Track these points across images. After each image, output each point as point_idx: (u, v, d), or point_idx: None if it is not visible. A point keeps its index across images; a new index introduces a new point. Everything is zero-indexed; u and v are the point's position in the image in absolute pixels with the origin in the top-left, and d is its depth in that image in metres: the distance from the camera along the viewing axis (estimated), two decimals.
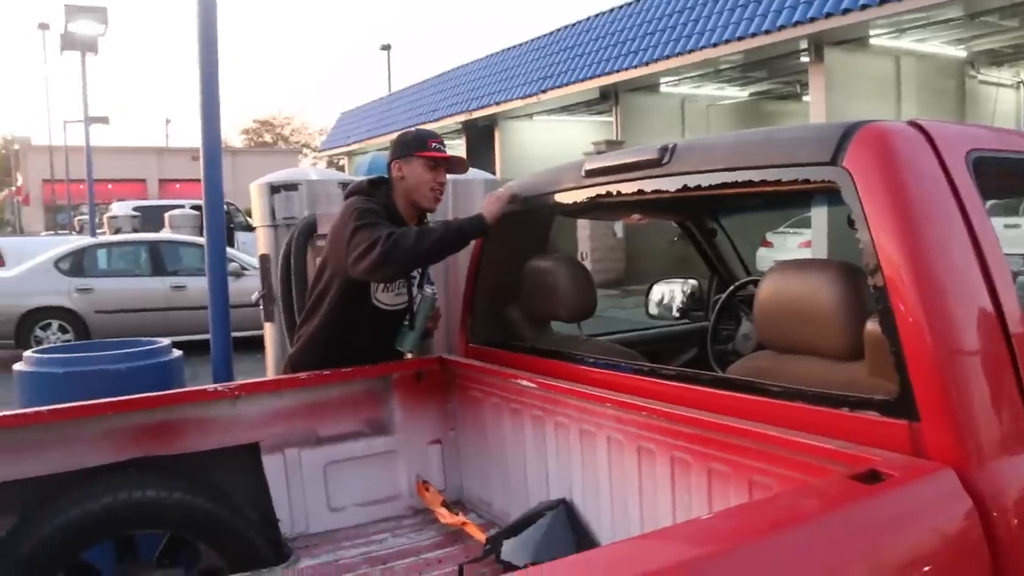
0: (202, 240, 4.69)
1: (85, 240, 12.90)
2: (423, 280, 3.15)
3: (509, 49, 22.50)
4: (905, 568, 1.43)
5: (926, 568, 1.45)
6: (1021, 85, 17.73)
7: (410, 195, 3.07)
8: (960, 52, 15.82)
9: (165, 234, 14.91)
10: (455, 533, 2.81)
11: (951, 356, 1.62)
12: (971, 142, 1.92)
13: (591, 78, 18.01)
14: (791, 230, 15.14)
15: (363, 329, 3.06)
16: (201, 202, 3.97)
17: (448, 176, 3.91)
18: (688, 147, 2.29)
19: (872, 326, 1.78)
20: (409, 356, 3.20)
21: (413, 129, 3.21)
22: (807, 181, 1.91)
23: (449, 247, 2.89)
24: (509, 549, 2.45)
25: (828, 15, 12.61)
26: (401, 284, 3.08)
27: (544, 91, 19.46)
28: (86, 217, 21.33)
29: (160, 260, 11.32)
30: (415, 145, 3.08)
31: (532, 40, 21.54)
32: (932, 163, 1.77)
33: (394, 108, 27.82)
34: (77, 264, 10.92)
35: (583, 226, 17.17)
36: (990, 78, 16.95)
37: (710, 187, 2.16)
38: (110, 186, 37.57)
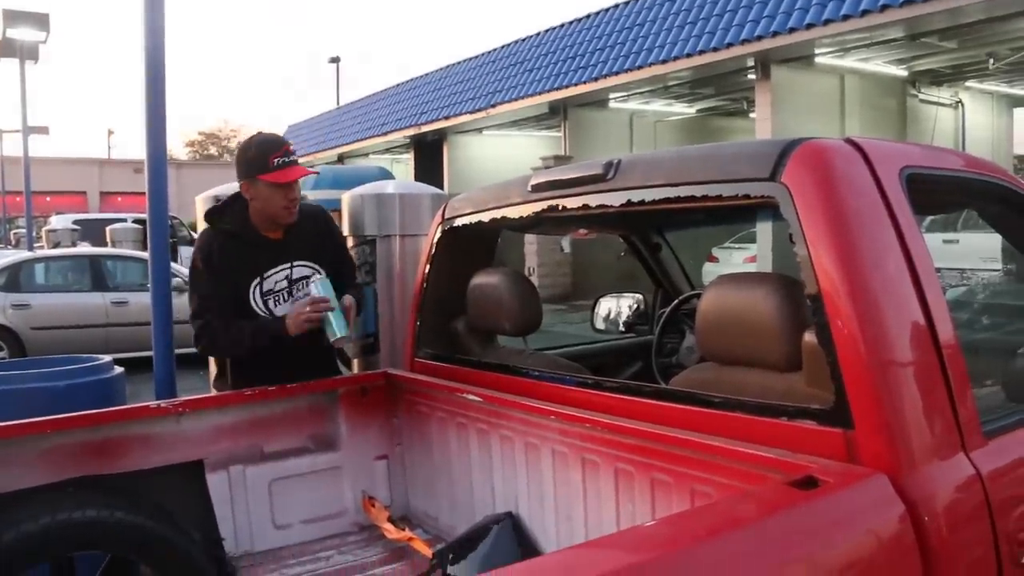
0: (144, 255, 4.62)
1: (22, 254, 12.61)
2: (294, 283, 3.07)
3: (459, 63, 22.56)
4: (840, 571, 1.46)
5: (860, 571, 1.49)
6: (959, 104, 18.26)
7: (265, 214, 3.00)
8: (901, 71, 16.26)
9: (103, 248, 14.67)
10: (401, 549, 2.80)
11: (884, 366, 1.67)
12: (904, 159, 1.97)
13: (541, 93, 18.12)
14: (736, 245, 15.38)
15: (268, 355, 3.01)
16: (143, 216, 3.91)
17: (395, 189, 3.91)
18: (632, 162, 2.32)
19: (809, 337, 1.82)
20: (348, 344, 3.05)
21: (253, 143, 2.98)
22: (747, 196, 1.95)
23: (255, 350, 2.97)
24: (455, 564, 2.45)
25: (774, 34, 12.89)
26: (283, 291, 3.06)
27: (493, 105, 19.53)
28: (23, 230, 20.86)
29: (100, 275, 11.09)
30: (256, 166, 2.90)
31: (482, 54, 21.62)
32: (867, 179, 1.82)
33: (343, 121, 27.70)
34: (13, 279, 10.64)
35: (530, 241, 17.24)
36: (930, 97, 17.45)
37: (653, 202, 2.19)
38: (49, 199, 36.83)
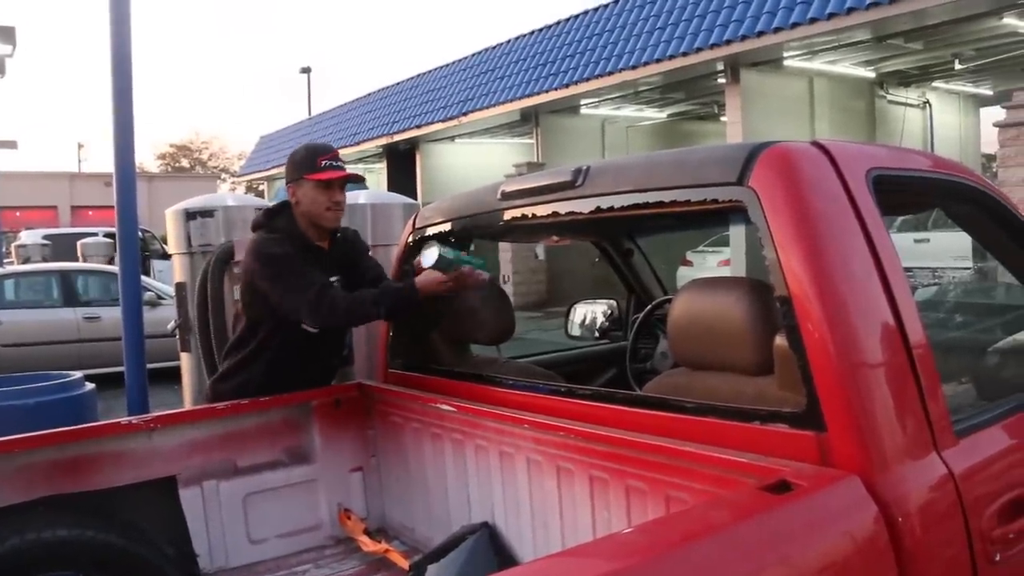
0: (115, 269, 4.57)
1: None
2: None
3: (430, 72, 22.55)
4: (816, 573, 1.46)
5: (835, 573, 1.49)
6: (927, 104, 18.49)
7: (309, 217, 2.97)
8: (869, 73, 16.44)
9: (74, 263, 14.47)
10: (378, 561, 2.78)
11: (855, 368, 1.68)
12: (871, 161, 1.98)
13: (512, 100, 18.15)
14: (710, 249, 15.43)
15: (299, 356, 3.00)
16: (115, 229, 3.88)
17: (366, 199, 3.89)
18: (601, 169, 2.32)
19: (780, 341, 1.83)
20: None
21: (303, 147, 3.03)
22: (715, 201, 1.95)
23: (386, 315, 2.86)
24: (432, 575, 2.43)
25: (743, 38, 13.00)
26: None
27: (465, 114, 19.54)
28: None
29: (72, 290, 10.95)
30: (304, 167, 2.94)
31: (453, 63, 21.63)
32: (834, 181, 1.83)
33: (315, 132, 27.57)
34: None
35: (505, 249, 17.23)
36: (898, 98, 17.67)
37: (623, 208, 2.19)
38: (18, 213, 36.34)
